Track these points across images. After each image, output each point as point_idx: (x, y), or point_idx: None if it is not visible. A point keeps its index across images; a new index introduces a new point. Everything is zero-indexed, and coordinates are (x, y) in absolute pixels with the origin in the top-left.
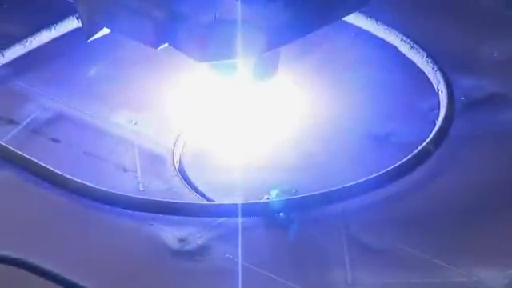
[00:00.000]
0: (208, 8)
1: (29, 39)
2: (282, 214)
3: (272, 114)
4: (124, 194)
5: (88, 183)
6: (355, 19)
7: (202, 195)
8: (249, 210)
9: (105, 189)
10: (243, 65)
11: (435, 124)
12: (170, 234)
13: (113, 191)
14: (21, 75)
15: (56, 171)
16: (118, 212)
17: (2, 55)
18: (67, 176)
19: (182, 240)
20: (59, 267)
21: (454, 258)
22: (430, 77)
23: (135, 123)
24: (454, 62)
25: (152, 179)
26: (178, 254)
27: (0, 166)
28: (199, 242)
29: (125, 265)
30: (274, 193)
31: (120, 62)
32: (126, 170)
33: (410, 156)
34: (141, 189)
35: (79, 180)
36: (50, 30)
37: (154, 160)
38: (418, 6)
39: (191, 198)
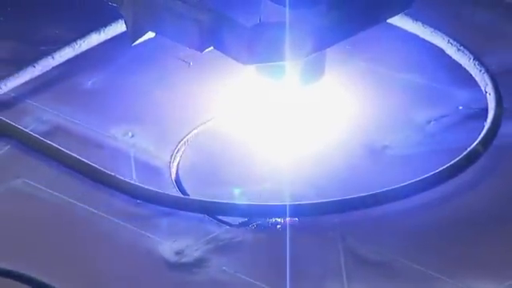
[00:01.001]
0: (253, 11)
1: (78, 42)
2: (279, 227)
3: (316, 116)
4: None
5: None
6: (401, 22)
7: None
8: (298, 210)
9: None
10: (291, 67)
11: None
12: (167, 246)
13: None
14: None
15: (106, 171)
16: (116, 225)
17: (52, 58)
18: (118, 176)
19: (178, 253)
20: (56, 280)
21: (451, 271)
22: (478, 79)
23: (132, 135)
24: (453, 74)
25: None
26: (175, 266)
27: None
28: (196, 254)
29: (122, 277)
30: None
31: (117, 73)
32: None
33: (460, 157)
34: (137, 201)
35: (132, 181)
36: (99, 33)
37: (151, 172)
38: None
39: (189, 212)
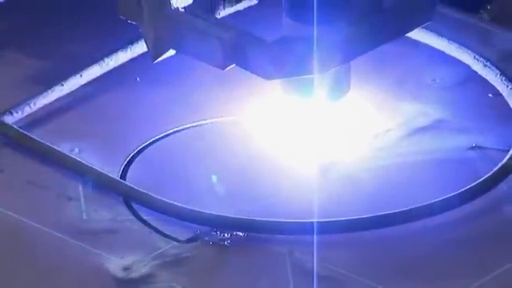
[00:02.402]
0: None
1: (106, 60)
2: (227, 242)
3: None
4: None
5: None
6: (427, 38)
7: (147, 224)
8: (326, 227)
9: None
10: (319, 83)
11: None
12: (115, 262)
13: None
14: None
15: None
16: (62, 241)
17: (81, 76)
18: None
19: (126, 268)
20: None
21: (400, 285)
22: (505, 94)
23: (78, 151)
24: (399, 89)
25: (96, 208)
26: (122, 282)
27: None
28: (144, 270)
29: None
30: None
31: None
32: (69, 199)
33: (493, 171)
34: (84, 217)
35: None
36: (126, 50)
37: (98, 188)
38: None
39: (136, 227)
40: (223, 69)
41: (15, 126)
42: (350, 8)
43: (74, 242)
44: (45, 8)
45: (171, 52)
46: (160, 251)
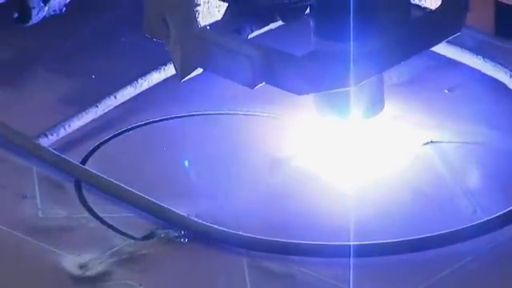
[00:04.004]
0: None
1: (139, 81)
2: (183, 240)
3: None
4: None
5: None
6: (462, 57)
7: (103, 222)
8: (362, 251)
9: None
10: (356, 102)
11: None
12: (71, 260)
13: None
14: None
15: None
16: (19, 239)
17: (115, 97)
18: (188, 216)
19: (82, 266)
20: None
21: (358, 282)
22: None
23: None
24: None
25: (52, 206)
26: (79, 279)
27: None
28: (100, 267)
29: None
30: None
31: (20, 86)
32: (25, 197)
33: None
34: (40, 215)
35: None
36: (160, 71)
37: (53, 187)
38: None
39: (92, 225)
40: (252, 88)
41: (51, 149)
42: (379, 22)
43: (29, 240)
44: (77, 29)
45: (198, 70)
46: (116, 249)
